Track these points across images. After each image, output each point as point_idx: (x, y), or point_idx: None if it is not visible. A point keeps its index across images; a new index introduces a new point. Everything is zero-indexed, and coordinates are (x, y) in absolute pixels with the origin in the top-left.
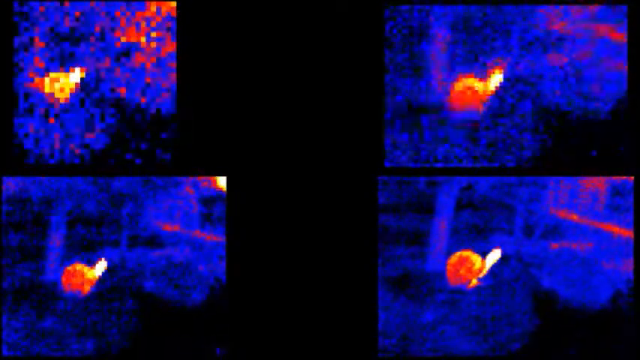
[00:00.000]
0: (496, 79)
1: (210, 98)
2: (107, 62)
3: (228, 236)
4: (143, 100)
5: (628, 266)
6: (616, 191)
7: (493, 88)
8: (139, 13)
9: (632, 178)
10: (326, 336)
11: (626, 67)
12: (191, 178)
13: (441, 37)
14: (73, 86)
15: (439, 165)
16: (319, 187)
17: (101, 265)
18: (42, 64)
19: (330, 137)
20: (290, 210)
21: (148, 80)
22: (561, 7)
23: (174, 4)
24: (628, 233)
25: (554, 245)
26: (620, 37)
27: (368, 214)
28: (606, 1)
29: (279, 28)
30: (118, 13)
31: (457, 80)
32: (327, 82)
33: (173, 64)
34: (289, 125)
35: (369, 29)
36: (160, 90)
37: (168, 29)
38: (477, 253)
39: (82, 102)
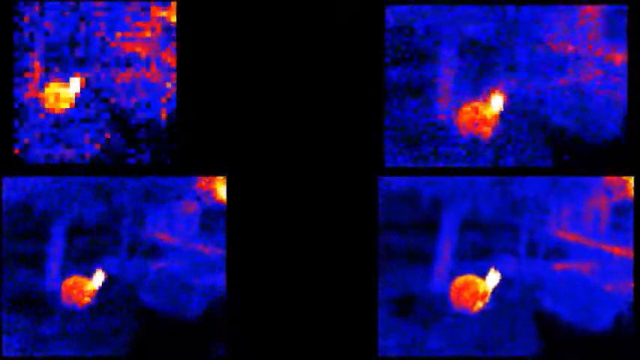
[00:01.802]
0: (499, 100)
1: (211, 100)
2: (107, 66)
3: (228, 235)
4: (143, 102)
5: (630, 288)
6: (618, 211)
7: (497, 110)
8: (138, 17)
9: (632, 185)
10: (326, 338)
11: (626, 66)
12: (192, 190)
13: (444, 60)
14: (74, 89)
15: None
16: (319, 186)
17: (99, 277)
18: (41, 69)
19: (331, 137)
20: (290, 209)
21: (149, 83)
22: (566, 28)
23: (173, 7)
24: (630, 254)
25: (558, 266)
26: (621, 58)
27: (368, 214)
28: (606, 1)
29: (280, 29)
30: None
31: (461, 103)
32: (327, 83)
33: (173, 66)
34: (289, 126)
35: (369, 30)
36: (161, 92)
37: (168, 32)
38: (479, 273)
39: (82, 106)
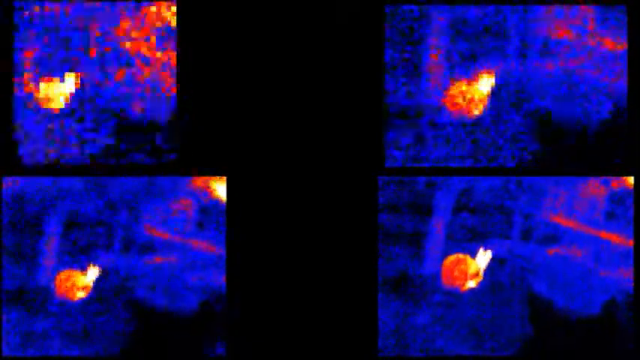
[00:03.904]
0: (490, 82)
1: (211, 99)
2: (107, 65)
3: (228, 235)
4: (143, 102)
5: (623, 274)
6: (613, 199)
7: (487, 92)
8: (138, 16)
9: (632, 184)
10: (326, 336)
11: (626, 65)
12: (189, 188)
13: (437, 42)
14: (72, 90)
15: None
16: (319, 186)
17: (93, 272)
18: (40, 69)
19: (330, 137)
20: (290, 209)
21: (149, 82)
22: (558, 13)
23: (173, 6)
24: (624, 241)
25: (551, 251)
26: (616, 43)
27: (368, 214)
28: (606, 1)
29: (280, 28)
30: (122, 19)
31: (453, 84)
32: (327, 83)
33: (173, 66)
34: (289, 125)
35: (369, 29)
36: (161, 91)
37: (168, 32)
38: (473, 256)
39: (81, 105)
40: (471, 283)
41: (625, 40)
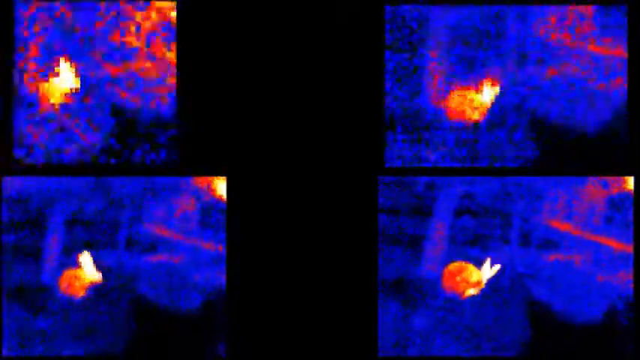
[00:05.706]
0: (492, 90)
1: (211, 99)
2: (107, 64)
3: (228, 235)
4: (143, 102)
5: (622, 279)
6: (612, 204)
7: (489, 99)
8: (138, 15)
9: (631, 187)
10: (326, 337)
11: (626, 63)
12: (190, 187)
13: (437, 43)
14: (72, 88)
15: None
16: (319, 186)
17: (97, 276)
18: (40, 65)
19: (330, 137)
20: (290, 209)
21: (149, 82)
22: (558, 13)
23: (173, 5)
24: (623, 246)
25: (551, 257)
26: (616, 44)
27: (368, 214)
28: (605, 1)
29: (279, 28)
30: (122, 21)
31: (453, 84)
32: (326, 83)
33: (173, 66)
34: (289, 125)
35: (369, 30)
36: (161, 92)
37: (169, 30)
38: (471, 261)
39: (81, 104)
40: (472, 291)
41: (625, 41)
